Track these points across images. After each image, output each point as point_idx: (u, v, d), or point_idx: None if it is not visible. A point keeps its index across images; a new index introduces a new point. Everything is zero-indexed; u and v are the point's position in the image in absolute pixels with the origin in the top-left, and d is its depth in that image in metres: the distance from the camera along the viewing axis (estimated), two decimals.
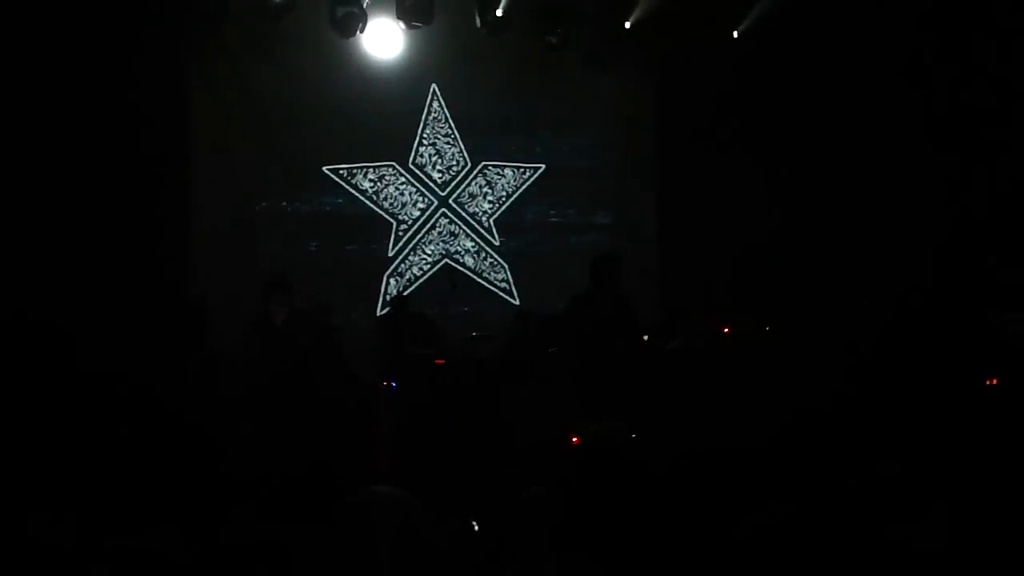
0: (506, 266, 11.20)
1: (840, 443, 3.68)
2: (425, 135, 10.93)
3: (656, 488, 3.02)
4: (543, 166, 11.39)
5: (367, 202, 10.63)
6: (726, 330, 9.87)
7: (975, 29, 9.16)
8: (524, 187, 11.36)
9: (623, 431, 3.24)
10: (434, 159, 10.97)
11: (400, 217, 10.78)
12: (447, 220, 11.02)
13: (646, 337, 9.64)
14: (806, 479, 3.20)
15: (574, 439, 8.06)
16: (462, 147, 11.07)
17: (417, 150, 10.89)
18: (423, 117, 10.92)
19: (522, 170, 11.33)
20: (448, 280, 10.44)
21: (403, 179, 10.80)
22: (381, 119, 10.54)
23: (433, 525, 2.88)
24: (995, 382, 7.41)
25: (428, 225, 10.92)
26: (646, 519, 2.86)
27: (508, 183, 11.28)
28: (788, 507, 2.87)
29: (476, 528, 4.18)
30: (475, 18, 10.06)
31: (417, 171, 10.87)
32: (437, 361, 8.43)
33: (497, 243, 11.20)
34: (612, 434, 3.12)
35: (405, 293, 10.18)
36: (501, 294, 11.19)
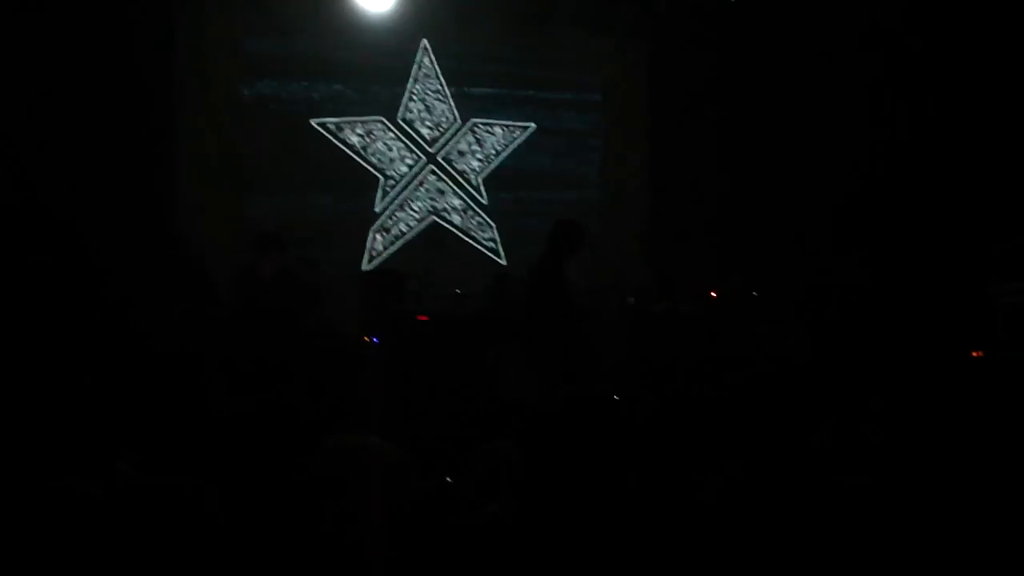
0: (493, 225, 11.14)
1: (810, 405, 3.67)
2: (415, 91, 10.83)
3: (626, 448, 2.98)
4: (533, 125, 11.32)
5: (354, 156, 10.53)
6: (713, 295, 9.85)
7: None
8: (513, 146, 11.28)
9: (598, 393, 3.20)
10: (423, 115, 10.87)
11: (388, 173, 10.69)
12: (435, 177, 10.94)
13: (632, 300, 9.64)
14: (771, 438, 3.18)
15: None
16: (451, 104, 10.97)
17: (406, 106, 10.79)
18: (413, 72, 10.81)
19: (512, 128, 11.25)
20: (432, 237, 10.45)
21: (391, 134, 10.70)
22: (370, 73, 10.45)
23: (407, 472, 2.85)
24: (980, 355, 7.41)
25: (415, 181, 10.84)
26: (613, 479, 2.83)
27: (497, 141, 11.21)
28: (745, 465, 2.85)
29: (450, 482, 4.15)
30: None
31: (406, 127, 10.78)
32: (419, 317, 8.40)
33: (485, 201, 11.13)
34: (585, 395, 3.08)
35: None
36: (488, 253, 11.13)
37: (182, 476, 2.78)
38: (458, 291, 9.34)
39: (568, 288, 7.43)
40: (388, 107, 10.71)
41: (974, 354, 7.28)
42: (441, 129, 10.96)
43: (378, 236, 10.63)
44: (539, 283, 7.55)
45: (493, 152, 11.19)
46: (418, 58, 10.83)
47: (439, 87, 10.93)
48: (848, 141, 10.00)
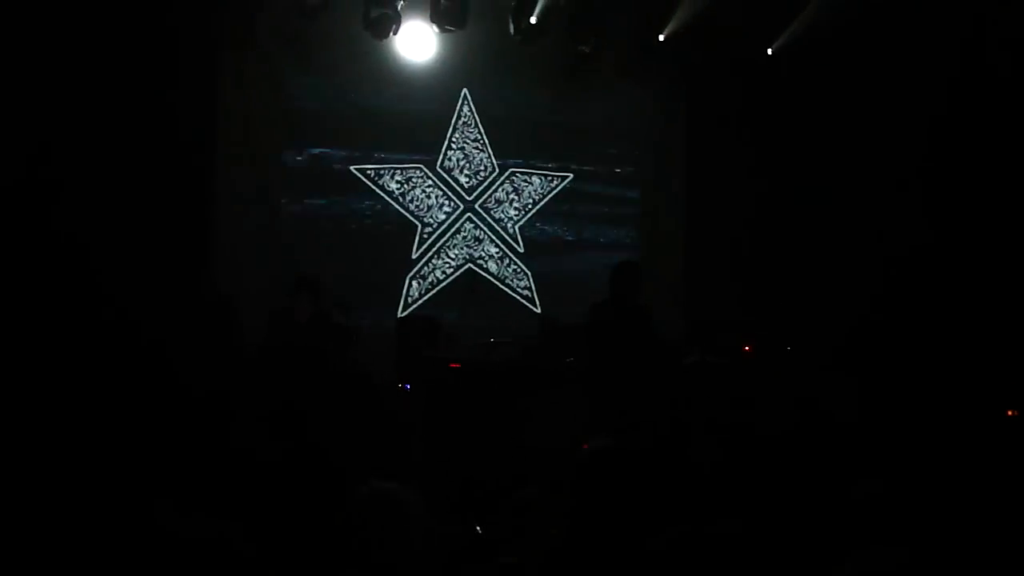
0: (529, 273, 11.18)
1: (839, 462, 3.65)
2: (454, 139, 10.94)
3: (664, 500, 3.00)
4: (571, 175, 11.38)
5: (393, 203, 10.64)
6: (747, 349, 9.81)
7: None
8: (551, 195, 11.34)
9: (635, 444, 3.22)
10: (462, 163, 10.97)
11: (425, 220, 10.78)
12: (472, 225, 11.01)
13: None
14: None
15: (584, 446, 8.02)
16: (490, 152, 11.07)
17: (446, 154, 10.90)
18: (453, 121, 10.93)
19: (549, 178, 11.32)
20: (468, 284, 10.51)
21: (430, 182, 10.81)
22: (411, 121, 10.60)
23: (431, 523, 2.87)
24: (1015, 414, 7.34)
25: (453, 229, 10.92)
26: (650, 530, 2.85)
27: (535, 190, 11.27)
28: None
29: (480, 531, 4.17)
30: (509, 24, 10.03)
31: (445, 175, 10.88)
32: (452, 365, 8.42)
33: (521, 250, 11.18)
34: (623, 447, 3.10)
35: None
36: (523, 302, 11.17)
37: (218, 520, 2.82)
38: (493, 339, 9.35)
39: (617, 329, 7.41)
40: (428, 155, 10.82)
41: (1009, 413, 7.21)
42: (480, 177, 11.05)
43: (414, 283, 10.70)
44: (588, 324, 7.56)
45: (531, 201, 11.25)
46: (458, 107, 10.95)
47: (479, 136, 11.04)
48: (889, 193, 9.99)
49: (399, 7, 9.63)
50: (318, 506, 3.37)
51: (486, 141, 11.05)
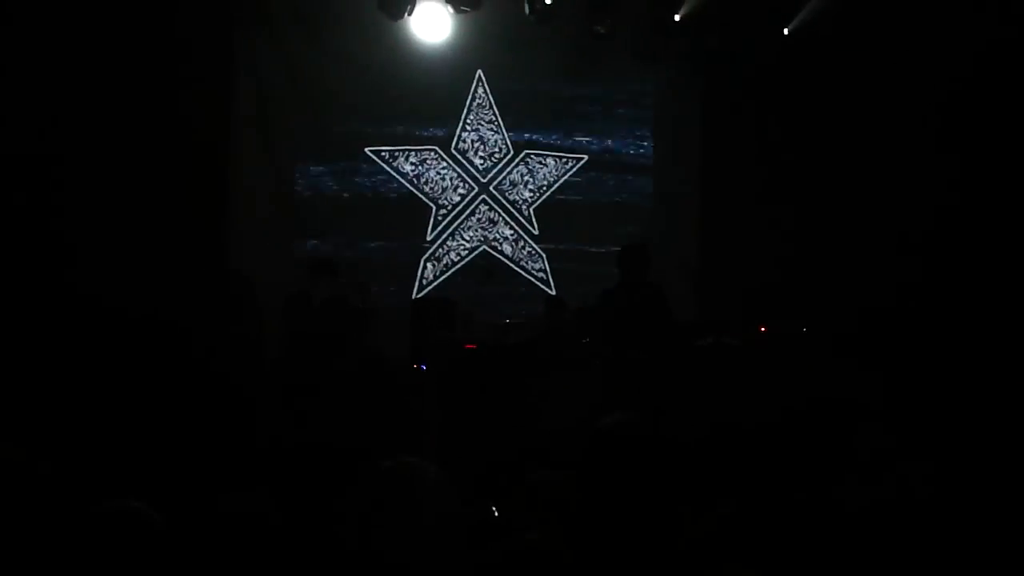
0: (544, 255, 11.17)
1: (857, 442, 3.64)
2: (469, 120, 10.93)
3: (674, 478, 3.01)
4: (585, 157, 11.36)
5: (408, 185, 10.64)
6: (762, 329, 9.79)
7: None
8: (566, 177, 11.32)
9: (646, 423, 3.22)
10: (476, 145, 10.96)
11: (440, 201, 10.78)
12: (487, 207, 11.01)
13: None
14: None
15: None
16: (505, 134, 11.05)
17: (460, 135, 10.89)
18: (467, 102, 10.92)
19: (564, 160, 11.30)
20: (484, 267, 10.51)
21: (444, 164, 10.81)
22: (425, 102, 10.58)
23: (450, 498, 2.88)
24: None
25: (468, 211, 10.92)
26: (660, 509, 2.85)
27: (550, 172, 11.25)
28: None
29: (495, 512, 4.18)
30: (524, 5, 10.00)
31: (459, 156, 10.88)
32: (467, 346, 8.44)
33: (536, 232, 11.17)
34: (635, 425, 3.10)
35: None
36: (538, 284, 11.16)
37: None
38: (508, 321, 9.36)
39: (627, 311, 7.41)
40: (442, 137, 10.82)
41: None
42: (494, 159, 11.04)
43: (429, 265, 10.71)
44: (597, 309, 7.58)
45: (545, 183, 11.24)
46: (473, 88, 10.93)
47: (493, 117, 11.02)
48: (903, 169, 9.93)
49: None
50: (336, 488, 3.38)
51: (500, 123, 11.04)
